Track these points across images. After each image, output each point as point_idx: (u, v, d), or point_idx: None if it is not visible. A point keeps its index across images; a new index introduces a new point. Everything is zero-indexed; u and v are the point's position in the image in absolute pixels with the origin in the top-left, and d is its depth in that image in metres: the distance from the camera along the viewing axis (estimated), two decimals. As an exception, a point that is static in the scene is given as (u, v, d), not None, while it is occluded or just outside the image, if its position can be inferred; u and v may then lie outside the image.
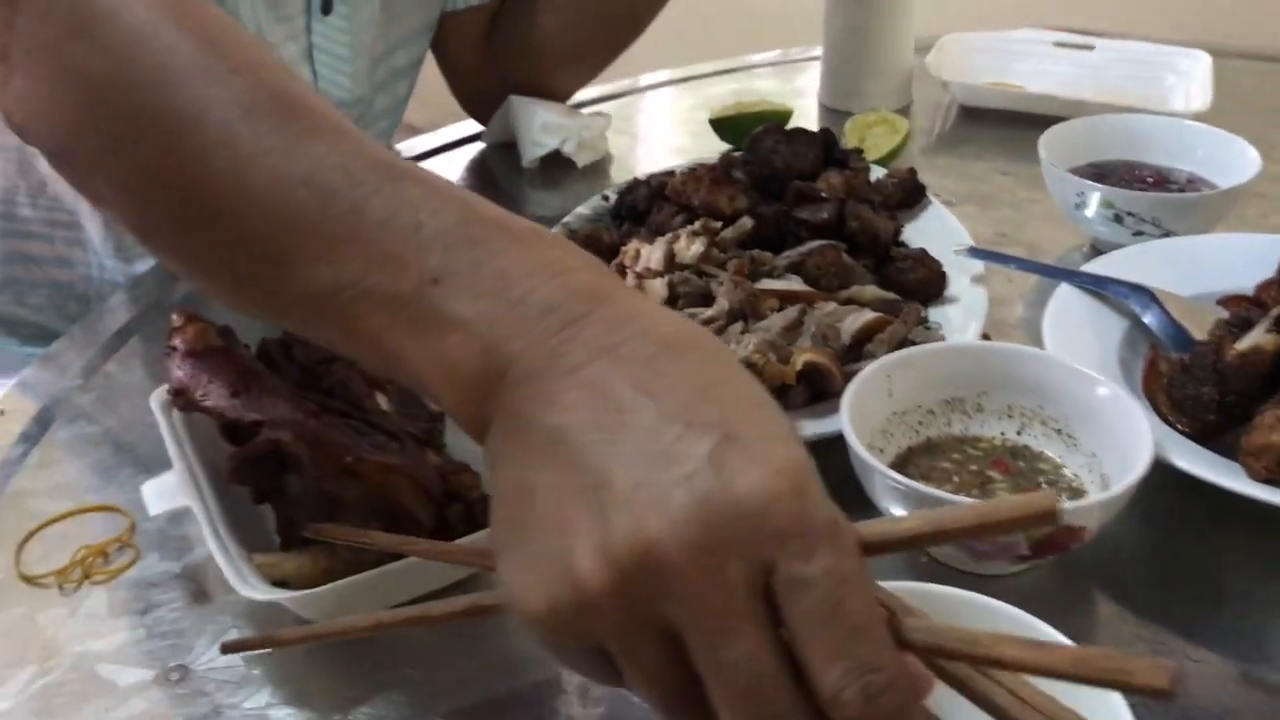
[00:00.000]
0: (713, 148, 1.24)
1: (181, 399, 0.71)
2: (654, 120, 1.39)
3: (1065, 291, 0.83)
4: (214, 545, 0.63)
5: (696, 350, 0.41)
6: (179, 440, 0.71)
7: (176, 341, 0.72)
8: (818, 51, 1.46)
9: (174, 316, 0.74)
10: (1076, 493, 0.69)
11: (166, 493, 0.67)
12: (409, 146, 1.26)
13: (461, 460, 0.67)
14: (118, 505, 0.74)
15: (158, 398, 0.73)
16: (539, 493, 0.39)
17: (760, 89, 1.40)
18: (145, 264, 1.03)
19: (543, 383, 0.40)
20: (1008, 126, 1.25)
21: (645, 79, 1.46)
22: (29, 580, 0.69)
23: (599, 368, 0.39)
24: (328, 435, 0.64)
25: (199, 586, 0.69)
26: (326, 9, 1.00)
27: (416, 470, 0.62)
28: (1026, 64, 1.34)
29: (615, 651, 0.39)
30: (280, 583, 0.62)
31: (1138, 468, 0.62)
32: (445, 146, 1.26)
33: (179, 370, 0.72)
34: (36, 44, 0.54)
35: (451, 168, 1.22)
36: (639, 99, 1.42)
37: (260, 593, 0.60)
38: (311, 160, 0.46)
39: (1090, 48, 1.35)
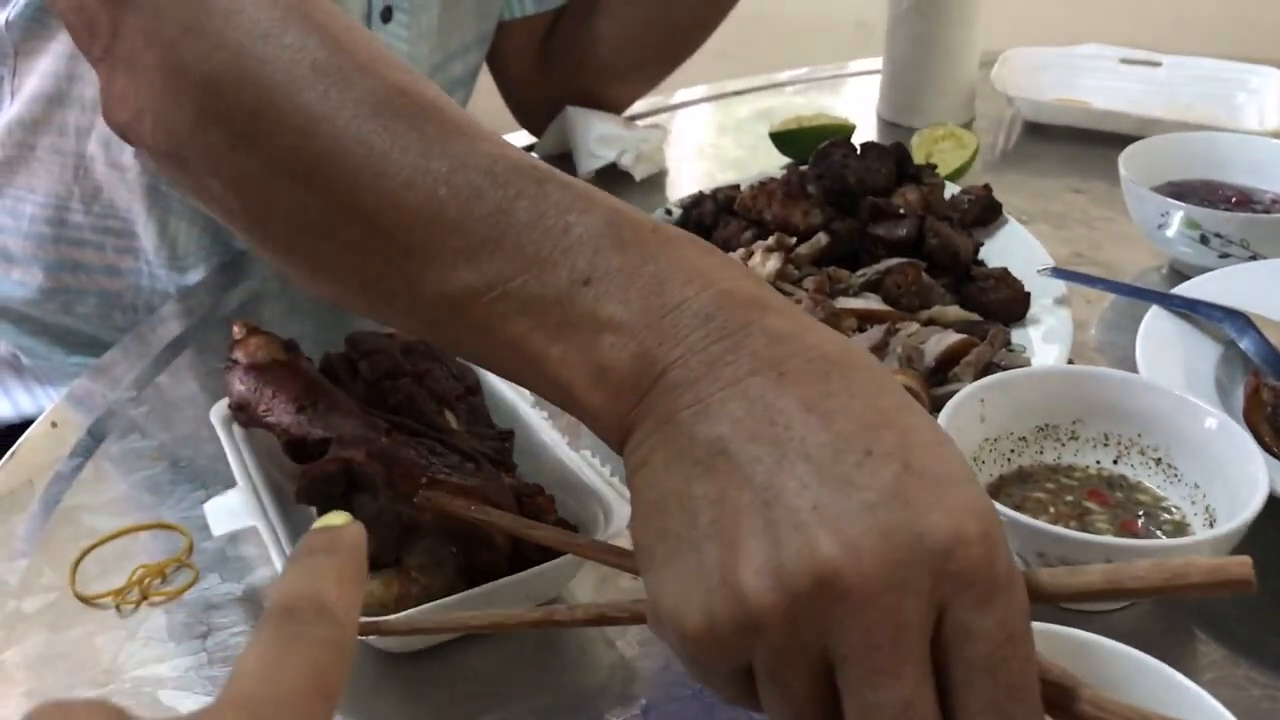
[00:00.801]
0: (769, 162, 1.21)
1: (244, 414, 0.69)
2: (707, 133, 1.37)
3: (1157, 314, 0.80)
4: (281, 564, 0.60)
5: (865, 372, 0.38)
6: (241, 457, 0.68)
7: (238, 354, 0.70)
8: (867, 65, 1.44)
9: (235, 328, 0.72)
10: (1179, 527, 0.65)
11: (231, 512, 0.65)
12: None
13: (534, 482, 0.64)
14: (174, 523, 0.72)
15: (218, 412, 0.71)
16: (699, 504, 0.37)
17: (811, 103, 1.38)
18: (197, 274, 1.01)
19: (701, 391, 0.38)
20: (1074, 144, 1.22)
21: (695, 92, 1.43)
22: (85, 600, 0.66)
23: (763, 382, 0.38)
24: (401, 454, 0.61)
25: (262, 609, 0.66)
26: (386, 17, 0.98)
27: (494, 493, 0.59)
28: (1091, 80, 1.31)
29: (764, 674, 0.36)
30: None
31: (1252, 503, 0.59)
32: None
33: (241, 384, 0.69)
34: (149, 42, 0.52)
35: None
36: (690, 112, 1.40)
37: None
38: (452, 160, 0.45)
39: (1157, 64, 1.32)
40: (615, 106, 1.20)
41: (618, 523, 0.60)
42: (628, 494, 0.57)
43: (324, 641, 0.27)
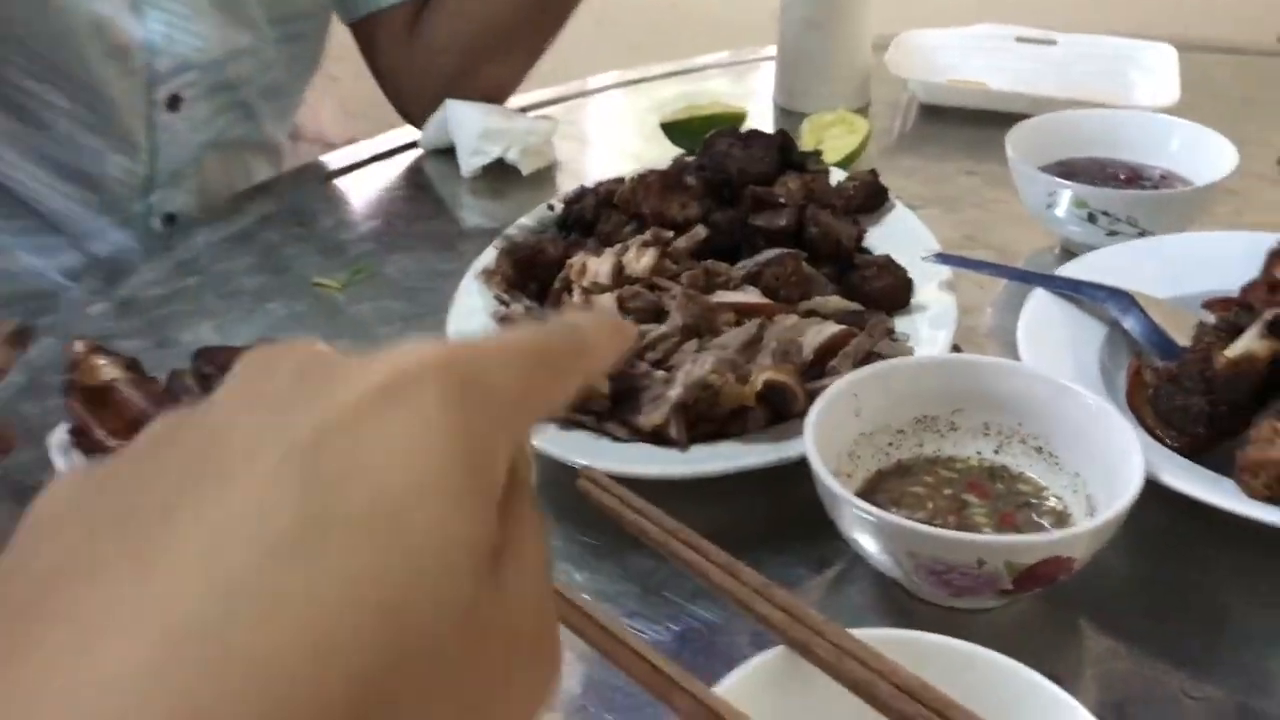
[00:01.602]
0: (667, 153, 1.18)
1: (85, 440, 0.65)
2: (603, 125, 1.34)
3: (1040, 297, 0.78)
4: None
5: None
6: None
7: (76, 376, 0.66)
8: (772, 51, 1.42)
9: (77, 346, 0.68)
10: (1061, 518, 0.63)
11: None
12: (342, 156, 1.20)
13: None
14: None
15: (57, 437, 0.67)
16: None
17: (713, 90, 1.35)
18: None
19: None
20: (970, 125, 1.21)
21: (592, 81, 1.40)
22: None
23: None
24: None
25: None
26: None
27: None
28: (987, 60, 1.30)
29: None
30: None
31: (1128, 490, 0.57)
32: (379, 156, 1.20)
33: (80, 407, 0.65)
34: None
35: (386, 178, 1.16)
36: (586, 103, 1.36)
37: None
38: None
39: (1052, 43, 1.31)
40: (492, 92, 1.17)
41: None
42: None
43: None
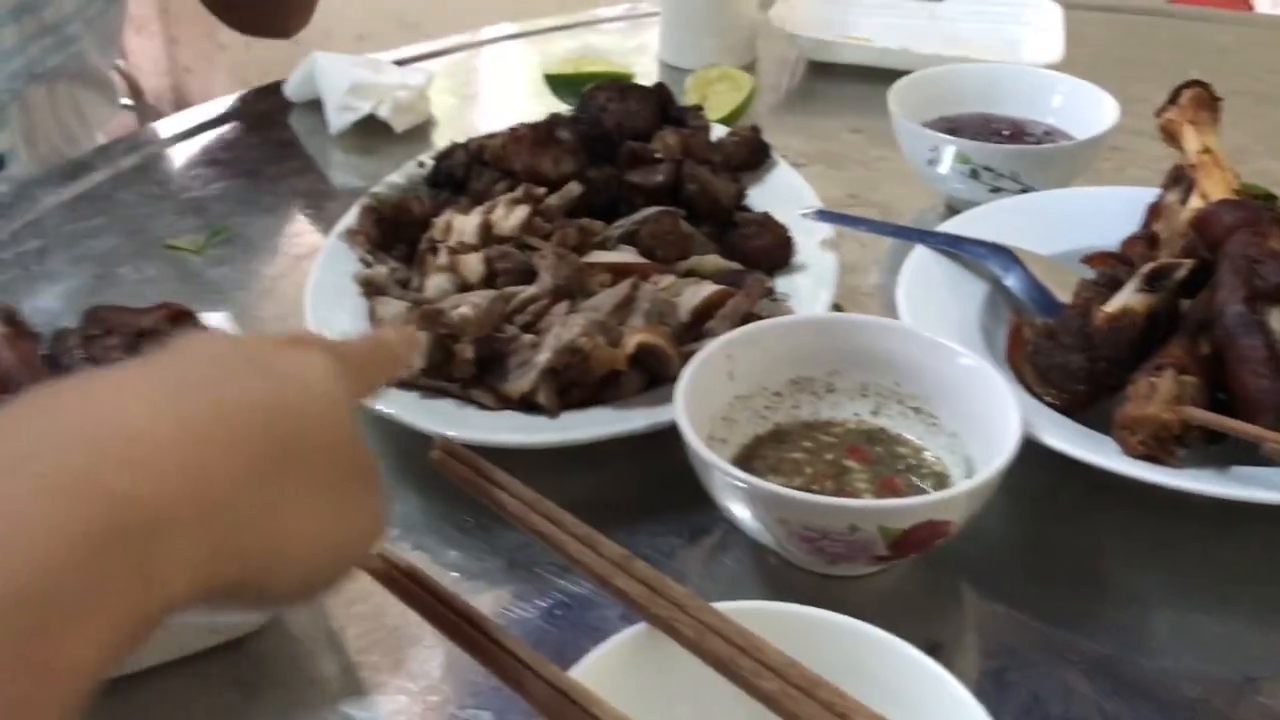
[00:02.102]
0: (544, 110, 1.15)
1: None
2: (488, 80, 1.29)
3: (921, 255, 0.76)
4: None
5: None
6: None
7: None
8: (655, 7, 1.38)
9: None
10: (940, 479, 0.62)
11: None
12: (202, 113, 1.13)
13: None
14: None
15: None
16: None
17: (603, 46, 1.31)
18: None
19: None
20: (858, 82, 1.18)
21: (481, 34, 1.35)
22: None
23: None
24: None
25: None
26: None
27: None
28: (875, 18, 1.28)
29: None
30: None
31: (1005, 449, 0.56)
32: (239, 111, 1.14)
33: None
34: None
35: (250, 134, 1.10)
36: (471, 56, 1.31)
37: None
38: None
39: (940, 0, 1.29)
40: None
41: None
42: None
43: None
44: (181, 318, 0.64)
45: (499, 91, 1.26)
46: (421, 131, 1.10)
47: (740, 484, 0.54)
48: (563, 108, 1.11)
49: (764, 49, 1.25)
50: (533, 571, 0.61)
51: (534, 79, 1.21)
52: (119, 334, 0.62)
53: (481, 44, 1.34)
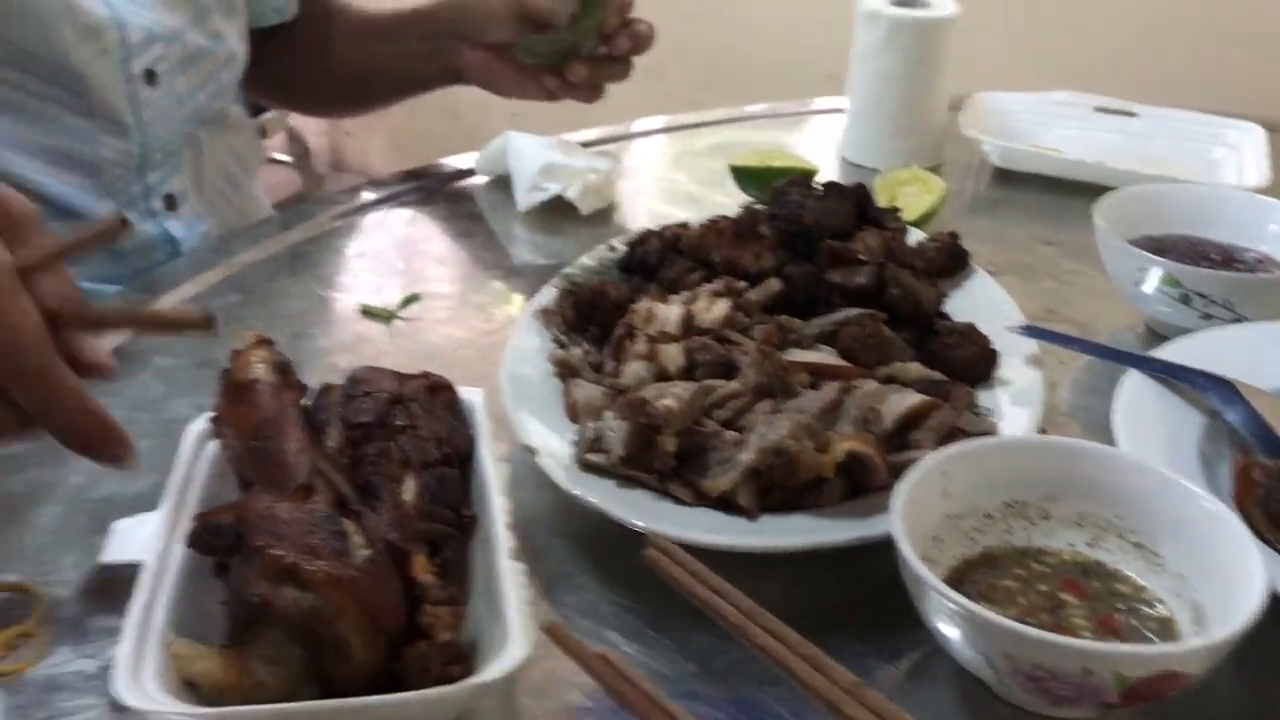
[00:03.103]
0: (726, 200, 1.14)
1: (218, 428, 0.63)
2: (661, 167, 1.30)
3: (1136, 381, 0.73)
4: (134, 615, 0.52)
5: None
6: (188, 481, 0.61)
7: (232, 363, 0.64)
8: (832, 103, 1.38)
9: (246, 336, 0.66)
10: (1165, 624, 0.58)
11: (131, 540, 0.57)
12: (393, 180, 1.16)
13: (453, 588, 0.55)
14: (24, 582, 0.63)
15: (198, 423, 0.65)
16: None
17: (772, 140, 1.31)
18: None
19: None
20: (1044, 193, 1.16)
21: (649, 123, 1.36)
22: (-92, 674, 0.57)
23: None
24: (290, 520, 0.53)
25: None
26: None
27: (365, 590, 0.50)
28: (1064, 128, 1.26)
29: None
30: (192, 682, 0.51)
31: (1248, 601, 0.52)
32: (428, 180, 1.16)
33: (221, 397, 0.64)
34: None
35: (438, 206, 1.12)
36: (643, 143, 1.32)
37: (127, 693, 0.48)
38: None
39: (1132, 114, 1.26)
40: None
41: (507, 660, 0.50)
42: (534, 633, 0.51)
43: None
44: (439, 389, 0.65)
45: (668, 179, 1.26)
46: (603, 215, 1.10)
47: (967, 614, 0.51)
48: (744, 199, 1.12)
49: (947, 152, 1.23)
50: (725, 680, 0.59)
51: (700, 168, 1.22)
52: (375, 397, 0.62)
53: (651, 133, 1.35)
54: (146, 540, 0.57)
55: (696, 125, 1.37)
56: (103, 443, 0.54)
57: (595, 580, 0.65)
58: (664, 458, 0.64)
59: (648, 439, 0.65)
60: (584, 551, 0.67)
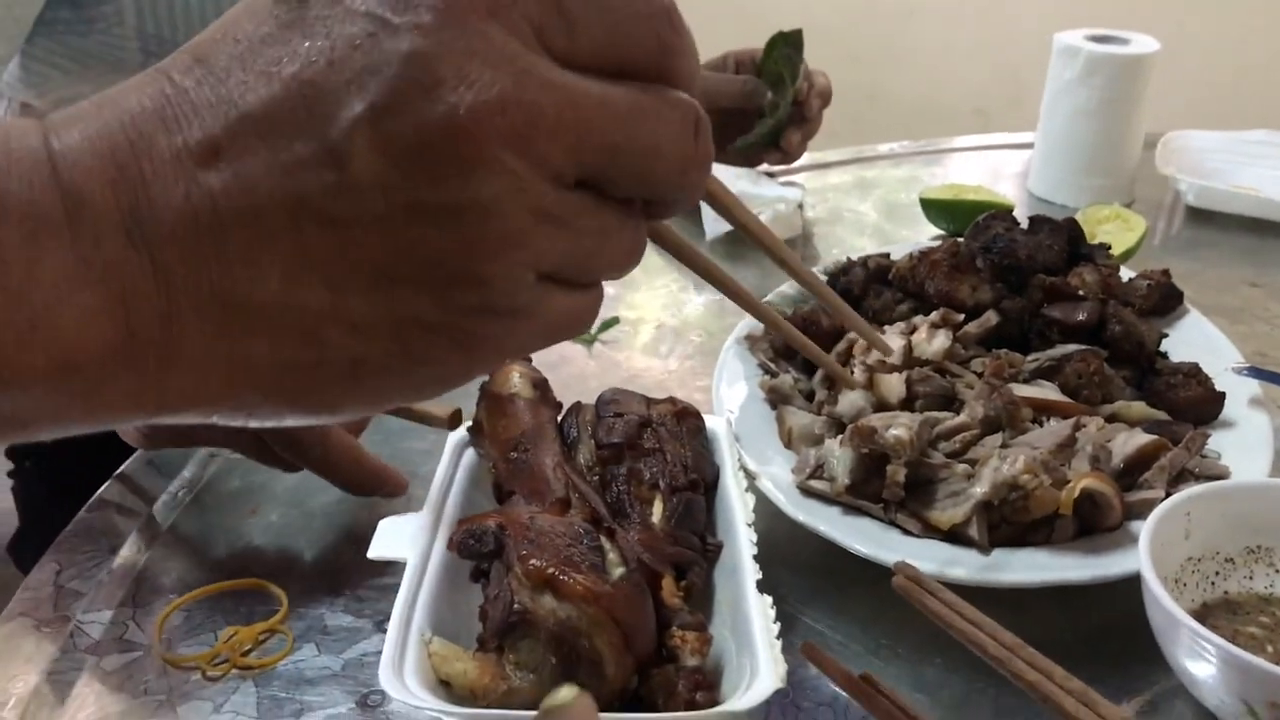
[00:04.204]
0: (910, 232, 1.14)
1: (477, 438, 0.66)
2: (842, 198, 1.30)
3: (1374, 428, 0.71)
4: (398, 610, 0.54)
5: None
6: (448, 484, 0.64)
7: (490, 379, 0.67)
8: (1001, 139, 1.38)
9: None
10: None
11: (394, 537, 0.59)
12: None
13: (699, 615, 0.56)
14: (270, 583, 0.65)
15: (458, 433, 0.68)
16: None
17: (944, 174, 1.30)
18: None
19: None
20: (1244, 233, 1.13)
21: (830, 155, 1.37)
22: (171, 663, 0.60)
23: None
24: (543, 533, 0.54)
25: (360, 688, 0.59)
26: None
27: (620, 607, 0.51)
28: (1261, 168, 1.22)
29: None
30: (446, 681, 0.53)
31: None
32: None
33: (480, 408, 0.66)
34: None
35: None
36: (823, 175, 1.33)
37: (390, 685, 0.50)
38: None
39: (1334, 153, 1.22)
40: None
41: (758, 691, 0.50)
42: (784, 667, 0.51)
43: None
44: (686, 415, 0.66)
45: (861, 210, 1.26)
46: (791, 244, 1.11)
47: (1227, 657, 0.50)
48: (932, 231, 1.11)
49: (1139, 191, 1.21)
50: (961, 713, 0.59)
51: (890, 199, 1.22)
52: (626, 419, 0.64)
53: (830, 165, 1.36)
54: (406, 538, 0.59)
55: (874, 159, 1.37)
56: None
57: (823, 611, 0.65)
58: (893, 487, 0.64)
59: (874, 468, 0.65)
60: (805, 575, 0.67)
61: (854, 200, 1.27)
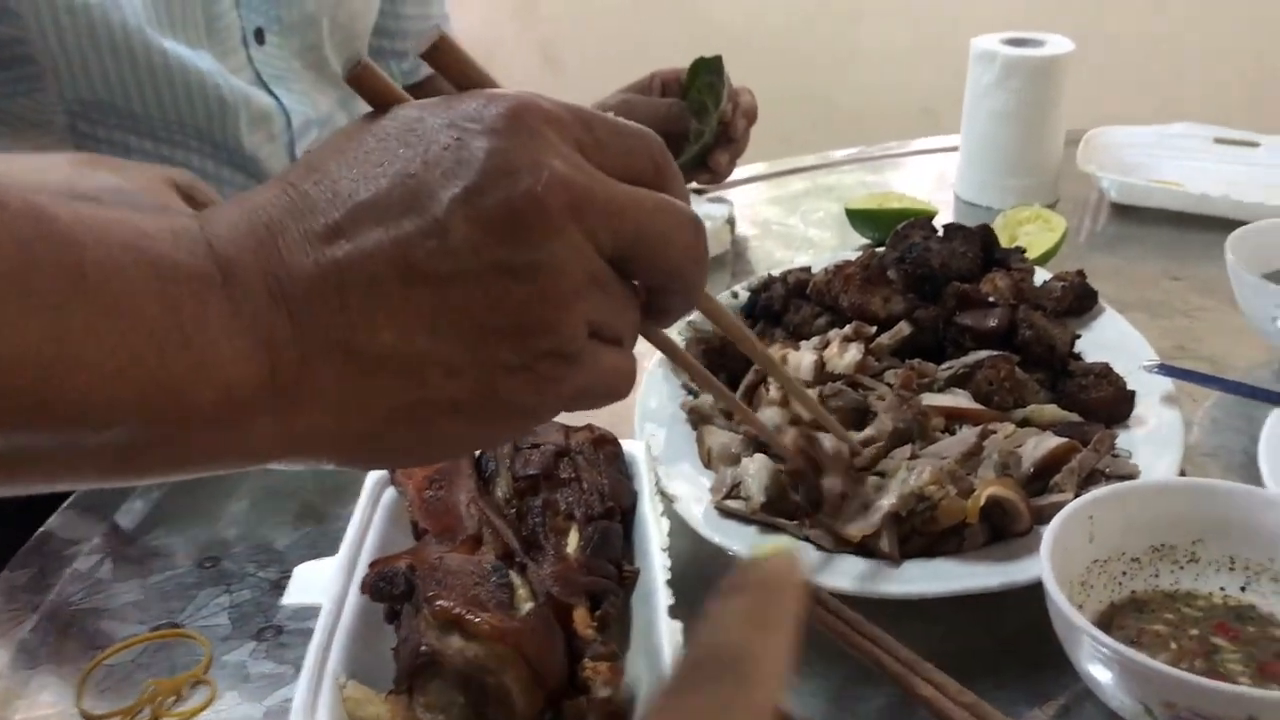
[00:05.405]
0: (840, 242, 1.16)
1: (393, 475, 0.66)
2: (770, 211, 1.31)
3: (1278, 420, 0.72)
4: (311, 656, 0.54)
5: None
6: (366, 524, 0.63)
7: None
8: (934, 143, 1.39)
9: None
10: (1325, 669, 0.57)
11: (310, 583, 0.60)
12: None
13: (613, 644, 0.56)
14: (194, 632, 0.66)
15: (376, 473, 0.67)
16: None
17: (878, 182, 1.32)
18: None
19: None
20: (1166, 227, 1.15)
21: (760, 168, 1.38)
22: (91, 719, 0.60)
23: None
24: (459, 571, 0.55)
25: (282, 736, 0.59)
26: (260, 39, 1.00)
27: (527, 643, 0.52)
28: (1183, 161, 1.24)
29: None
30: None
31: None
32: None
33: None
34: None
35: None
36: (752, 189, 1.34)
37: None
38: None
39: (1255, 145, 1.24)
40: None
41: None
42: None
43: (720, 699, 0.24)
44: (604, 443, 0.67)
45: (789, 223, 1.27)
46: (719, 261, 1.12)
47: (1123, 659, 0.51)
48: (859, 241, 1.13)
49: (1063, 189, 1.22)
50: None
51: (819, 210, 1.23)
52: (543, 450, 0.64)
53: (762, 177, 1.37)
54: (326, 583, 0.59)
55: (800, 170, 1.39)
56: None
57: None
58: (834, 499, 0.64)
59: (781, 485, 0.66)
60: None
61: (784, 212, 1.28)
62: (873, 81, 2.61)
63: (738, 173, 1.33)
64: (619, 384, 0.42)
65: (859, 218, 1.10)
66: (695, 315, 0.88)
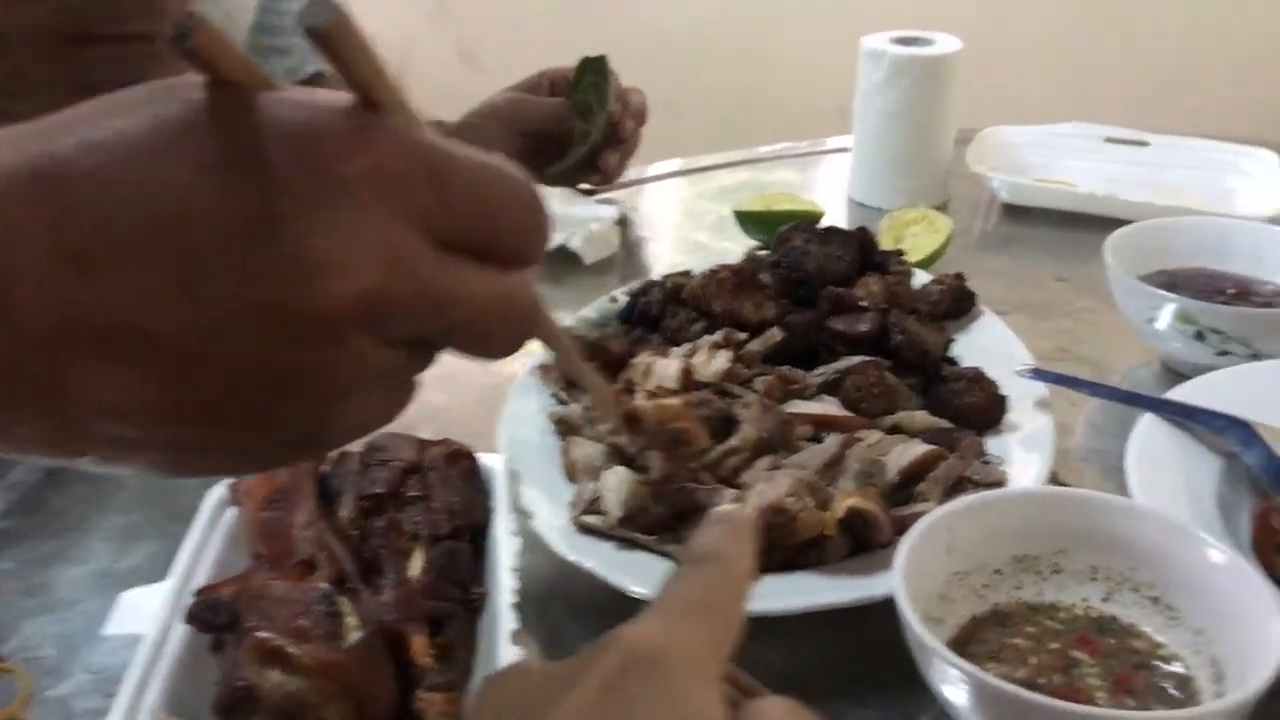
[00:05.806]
0: (733, 245, 1.13)
1: (235, 496, 0.63)
2: (669, 212, 1.29)
3: (1150, 424, 0.71)
4: (126, 690, 0.51)
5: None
6: (200, 548, 0.60)
7: None
8: (843, 142, 1.37)
9: None
10: (1182, 681, 0.56)
11: (137, 610, 0.56)
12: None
13: (454, 671, 0.53)
14: (12, 665, 0.62)
15: (216, 491, 0.64)
16: None
17: (781, 181, 1.30)
18: None
19: None
20: (1057, 228, 1.15)
21: (655, 168, 1.36)
22: (-109, 764, 0.56)
23: None
24: (284, 599, 0.52)
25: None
26: None
27: (359, 676, 0.49)
28: (1074, 160, 1.24)
29: None
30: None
31: (1269, 660, 0.50)
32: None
33: None
34: None
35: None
36: (649, 189, 1.32)
37: None
38: None
39: (1144, 144, 1.24)
40: None
41: None
42: None
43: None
44: (460, 457, 0.64)
45: (677, 225, 1.25)
46: (607, 264, 1.09)
47: (966, 675, 0.49)
48: (744, 244, 1.11)
49: (956, 189, 1.22)
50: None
51: (711, 213, 1.21)
52: (391, 466, 0.61)
53: (656, 178, 1.35)
54: (152, 611, 0.56)
55: (711, 168, 1.37)
56: None
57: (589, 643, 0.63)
58: (656, 516, 0.62)
59: (641, 497, 0.63)
60: (583, 615, 0.65)
61: (681, 214, 1.26)
62: (790, 79, 2.60)
63: (640, 171, 1.31)
64: (385, 418, 0.38)
65: (747, 220, 1.09)
66: (572, 320, 0.86)
